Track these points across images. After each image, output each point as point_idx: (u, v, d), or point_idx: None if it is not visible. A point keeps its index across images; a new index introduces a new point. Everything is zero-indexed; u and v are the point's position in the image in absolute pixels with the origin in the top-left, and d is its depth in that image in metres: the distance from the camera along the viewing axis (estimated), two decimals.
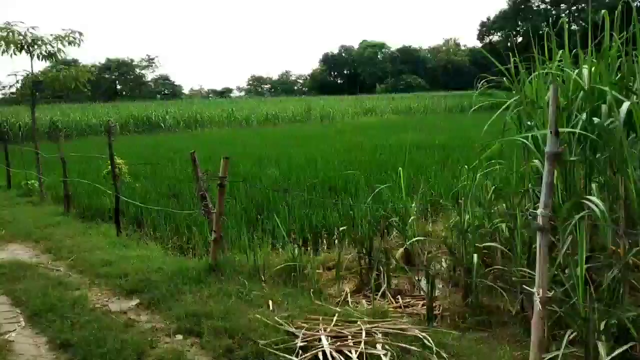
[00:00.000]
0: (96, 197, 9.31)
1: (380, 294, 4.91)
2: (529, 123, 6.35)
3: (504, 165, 6.38)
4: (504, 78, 6.58)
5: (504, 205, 5.96)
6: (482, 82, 6.73)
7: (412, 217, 6.16)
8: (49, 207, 9.23)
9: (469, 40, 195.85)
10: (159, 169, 12.89)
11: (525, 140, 5.10)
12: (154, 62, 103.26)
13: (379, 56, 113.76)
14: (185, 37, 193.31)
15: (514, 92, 6.65)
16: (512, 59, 7.01)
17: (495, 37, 59.96)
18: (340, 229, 5.32)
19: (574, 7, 52.54)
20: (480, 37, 60.71)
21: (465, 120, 29.75)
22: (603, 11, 4.74)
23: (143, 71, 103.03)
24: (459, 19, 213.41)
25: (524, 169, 5.77)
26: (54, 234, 7.01)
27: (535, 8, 55.30)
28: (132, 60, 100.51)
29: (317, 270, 5.37)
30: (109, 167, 7.66)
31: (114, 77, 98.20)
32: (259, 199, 8.59)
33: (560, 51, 5.44)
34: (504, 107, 5.49)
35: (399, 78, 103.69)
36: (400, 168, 6.00)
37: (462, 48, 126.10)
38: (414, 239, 5.48)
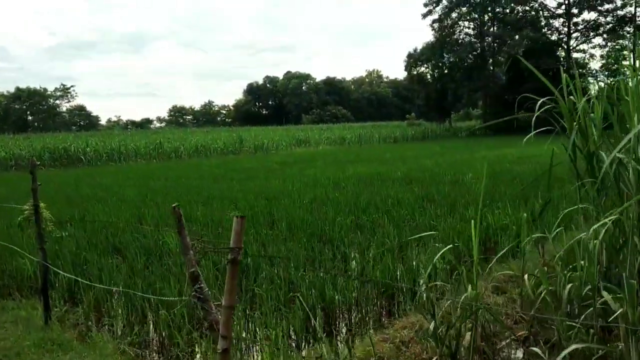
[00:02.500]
0: (9, 257, 6.96)
1: None
2: (604, 153, 4.88)
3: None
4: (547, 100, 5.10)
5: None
6: (539, 106, 5.22)
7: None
8: None
9: (391, 72, 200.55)
10: (90, 212, 10.58)
11: None
12: (69, 92, 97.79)
13: (304, 87, 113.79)
14: (104, 65, 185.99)
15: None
16: (565, 80, 5.58)
17: (422, 68, 60.47)
18: (432, 331, 3.40)
19: (497, 40, 53.71)
20: (408, 68, 60.93)
21: (407, 151, 28.68)
22: None
23: (57, 101, 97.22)
24: (381, 51, 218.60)
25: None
26: None
27: (460, 40, 56.22)
28: (45, 90, 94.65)
29: None
30: (25, 212, 5.46)
31: (24, 107, 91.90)
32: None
33: None
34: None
35: (324, 109, 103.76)
36: (472, 221, 4.24)
37: (385, 80, 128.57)
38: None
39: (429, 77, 60.25)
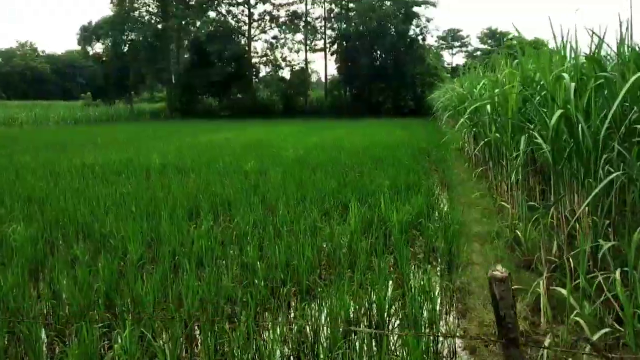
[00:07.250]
0: None
1: None
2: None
3: None
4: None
5: None
6: None
7: None
8: None
9: (47, 46, 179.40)
10: None
11: None
12: None
13: None
14: None
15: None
16: None
17: (99, 44, 55.13)
18: None
19: (181, 22, 52.21)
20: (82, 43, 54.77)
21: (116, 134, 25.41)
22: None
23: None
24: (34, 23, 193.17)
25: None
26: None
27: (140, 19, 52.95)
28: None
29: None
30: None
31: None
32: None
33: None
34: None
35: None
36: None
37: (41, 54, 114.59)
38: None
39: (105, 53, 55.31)
